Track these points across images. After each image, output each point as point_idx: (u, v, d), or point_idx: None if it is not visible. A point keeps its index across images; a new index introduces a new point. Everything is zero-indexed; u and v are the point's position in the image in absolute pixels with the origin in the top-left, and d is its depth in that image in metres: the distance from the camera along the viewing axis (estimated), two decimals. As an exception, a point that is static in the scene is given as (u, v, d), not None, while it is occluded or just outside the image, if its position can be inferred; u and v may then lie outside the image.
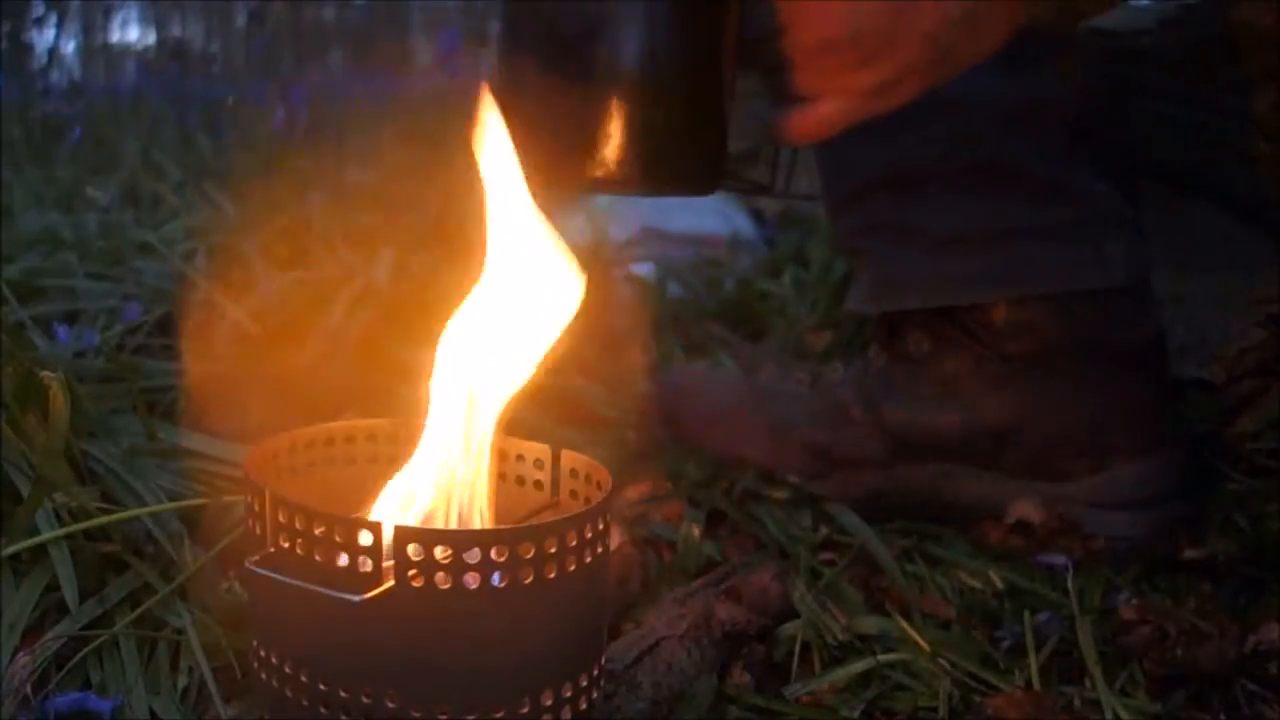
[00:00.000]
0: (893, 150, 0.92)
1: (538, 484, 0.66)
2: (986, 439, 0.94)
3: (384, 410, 0.68)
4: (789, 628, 0.78)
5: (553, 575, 0.54)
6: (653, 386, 1.09)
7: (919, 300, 0.95)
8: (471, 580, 0.53)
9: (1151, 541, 0.92)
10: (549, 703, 0.56)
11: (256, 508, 0.56)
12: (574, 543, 0.55)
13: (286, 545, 0.54)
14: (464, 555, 0.52)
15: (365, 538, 0.52)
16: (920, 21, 0.67)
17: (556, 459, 0.65)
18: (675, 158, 0.69)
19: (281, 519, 0.54)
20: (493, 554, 0.52)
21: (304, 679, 0.55)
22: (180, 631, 0.70)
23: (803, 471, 0.98)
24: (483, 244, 0.60)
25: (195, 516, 0.77)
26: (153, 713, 0.66)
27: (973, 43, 0.70)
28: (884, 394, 0.97)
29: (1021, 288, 0.92)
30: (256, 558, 0.54)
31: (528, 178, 0.60)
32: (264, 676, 0.57)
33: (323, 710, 0.54)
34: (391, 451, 0.66)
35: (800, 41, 0.68)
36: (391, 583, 0.52)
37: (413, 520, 0.60)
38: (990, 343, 0.93)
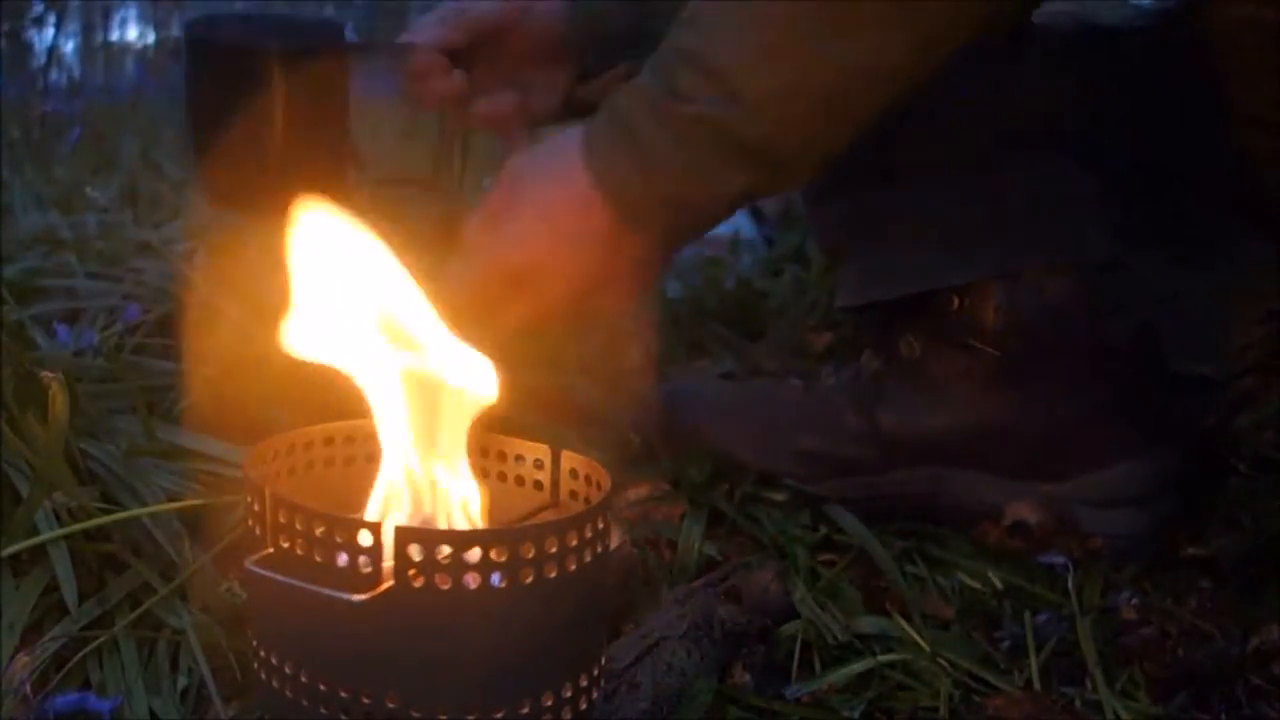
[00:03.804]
0: (869, 142, 0.92)
1: (538, 484, 0.66)
2: (981, 441, 0.94)
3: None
4: (789, 628, 0.78)
5: (553, 575, 0.54)
6: (650, 390, 1.09)
7: (902, 287, 0.95)
8: (471, 580, 0.53)
9: (1151, 539, 0.92)
10: (549, 703, 0.56)
11: (256, 508, 0.56)
12: (574, 543, 0.55)
13: (286, 545, 0.54)
14: (464, 555, 0.52)
15: (365, 538, 0.52)
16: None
17: (556, 459, 0.65)
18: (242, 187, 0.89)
19: (281, 519, 0.54)
20: (493, 554, 0.52)
21: (304, 679, 0.55)
22: (180, 631, 0.70)
23: (799, 476, 0.98)
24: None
25: (195, 516, 0.77)
26: (153, 713, 0.66)
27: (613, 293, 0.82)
28: (877, 398, 0.97)
29: (1003, 268, 0.92)
30: (256, 558, 0.54)
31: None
32: (264, 676, 0.57)
33: (323, 710, 0.54)
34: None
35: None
36: (391, 583, 0.52)
37: (411, 520, 0.60)
38: (981, 342, 0.93)
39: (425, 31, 0.93)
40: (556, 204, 0.79)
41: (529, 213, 0.80)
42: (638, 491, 0.96)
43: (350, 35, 0.95)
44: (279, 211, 0.96)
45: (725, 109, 0.73)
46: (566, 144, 0.80)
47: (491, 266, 0.81)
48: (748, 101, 0.73)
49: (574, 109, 0.97)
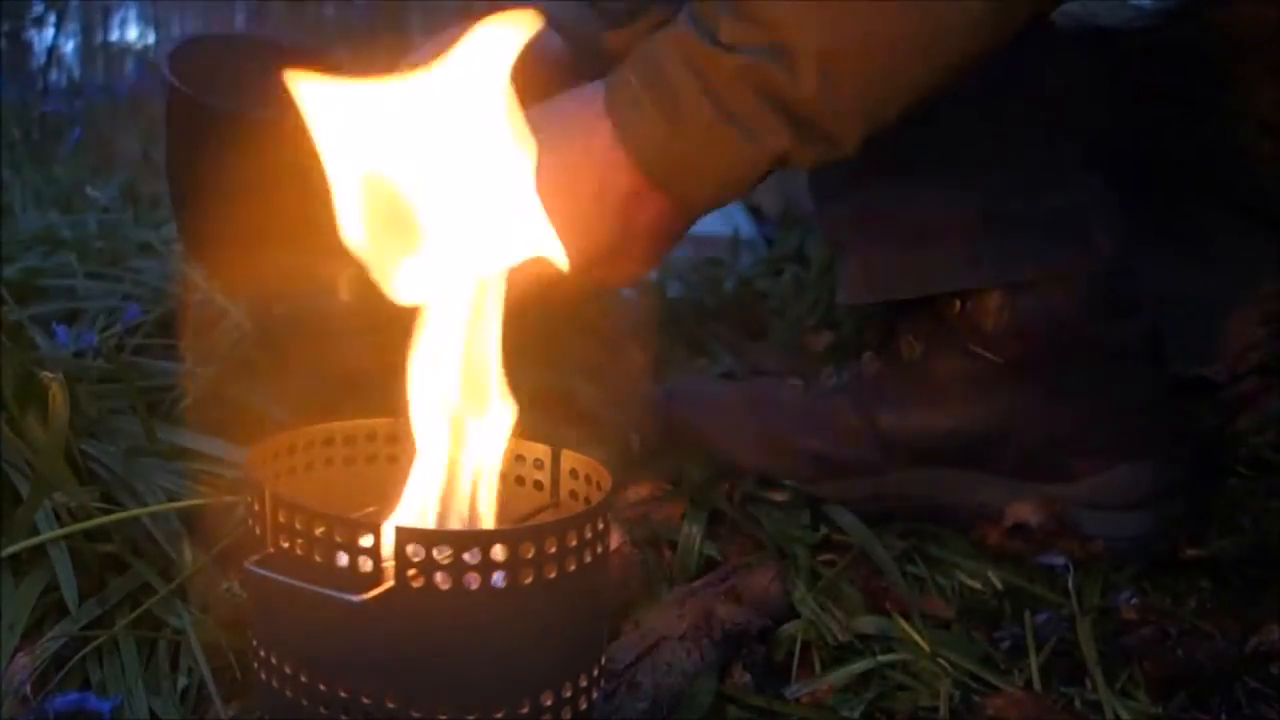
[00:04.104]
0: (878, 140, 0.91)
1: (538, 484, 0.66)
2: (981, 442, 0.94)
3: (384, 406, 0.68)
4: (789, 628, 0.78)
5: (553, 575, 0.54)
6: (650, 390, 1.09)
7: (905, 290, 0.94)
8: (471, 580, 0.53)
9: (1151, 541, 0.92)
10: (549, 703, 0.56)
11: (256, 508, 0.56)
12: (574, 543, 0.55)
13: (286, 545, 0.54)
14: (464, 555, 0.52)
15: (365, 538, 0.52)
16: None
17: (556, 459, 0.65)
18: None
19: (281, 519, 0.54)
20: (493, 554, 0.52)
21: (304, 679, 0.55)
22: (180, 631, 0.70)
23: (799, 477, 0.98)
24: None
25: (195, 516, 0.77)
26: (153, 713, 0.66)
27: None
28: (878, 400, 0.97)
29: (1007, 275, 0.91)
30: (256, 558, 0.54)
31: None
32: (264, 676, 0.57)
33: (323, 710, 0.54)
34: (391, 451, 0.66)
35: None
36: (391, 583, 0.52)
37: (413, 520, 0.60)
38: (982, 345, 0.93)
39: None
40: (573, 159, 0.73)
41: (541, 167, 0.76)
42: (638, 491, 0.96)
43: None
44: (265, 281, 0.94)
45: (771, 62, 0.66)
46: (587, 95, 0.74)
47: None
48: (797, 55, 0.66)
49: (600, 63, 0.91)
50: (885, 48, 0.68)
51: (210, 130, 0.89)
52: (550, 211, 0.72)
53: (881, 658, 0.75)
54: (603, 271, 0.77)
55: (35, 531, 0.73)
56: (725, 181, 0.74)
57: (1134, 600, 0.83)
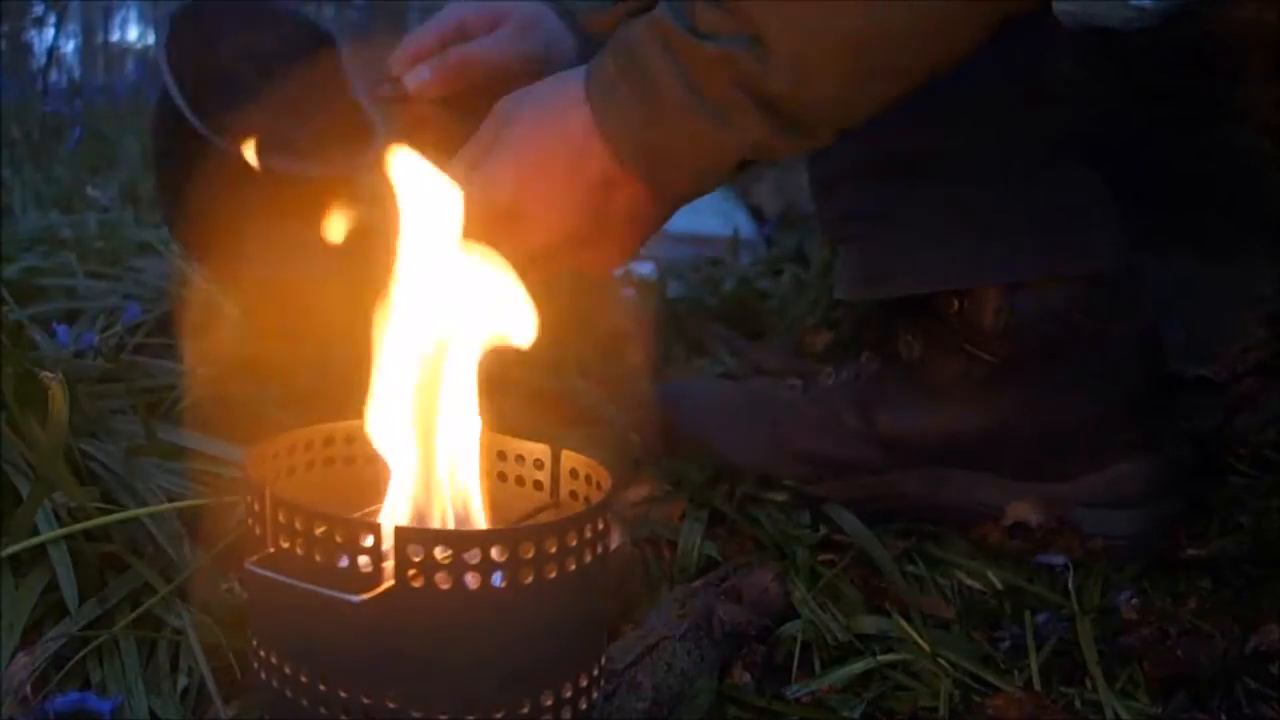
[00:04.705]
0: (879, 136, 0.91)
1: (538, 484, 0.66)
2: (980, 442, 0.94)
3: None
4: (789, 628, 0.78)
5: (553, 575, 0.54)
6: (649, 394, 1.08)
7: (902, 287, 0.94)
8: (471, 580, 0.53)
9: (1150, 540, 0.92)
10: (549, 703, 0.56)
11: (256, 508, 0.56)
12: (574, 543, 0.55)
13: (286, 545, 0.54)
14: (464, 555, 0.52)
15: (365, 538, 0.52)
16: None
17: (556, 459, 0.65)
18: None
19: (281, 519, 0.54)
20: (493, 554, 0.52)
21: (304, 679, 0.55)
22: (180, 631, 0.70)
23: (799, 478, 0.98)
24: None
25: (195, 516, 0.77)
26: (153, 713, 0.66)
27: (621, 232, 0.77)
28: (876, 400, 0.97)
29: (1005, 274, 0.91)
30: (256, 558, 0.54)
31: None
32: (264, 676, 0.57)
33: (323, 710, 0.54)
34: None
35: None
36: (391, 583, 0.52)
37: (410, 520, 0.60)
38: (980, 345, 0.93)
39: (420, 78, 0.88)
40: (549, 142, 0.73)
41: (518, 148, 0.74)
42: (638, 491, 0.96)
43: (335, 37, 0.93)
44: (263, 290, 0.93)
45: (746, 52, 0.67)
46: (567, 79, 0.74)
47: (470, 206, 0.70)
48: (771, 47, 0.66)
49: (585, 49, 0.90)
50: (859, 44, 0.67)
51: (198, 152, 0.88)
52: (526, 195, 0.73)
53: (881, 658, 0.75)
54: (579, 257, 0.77)
55: (35, 531, 0.73)
56: (701, 169, 0.73)
57: (1134, 600, 0.83)
